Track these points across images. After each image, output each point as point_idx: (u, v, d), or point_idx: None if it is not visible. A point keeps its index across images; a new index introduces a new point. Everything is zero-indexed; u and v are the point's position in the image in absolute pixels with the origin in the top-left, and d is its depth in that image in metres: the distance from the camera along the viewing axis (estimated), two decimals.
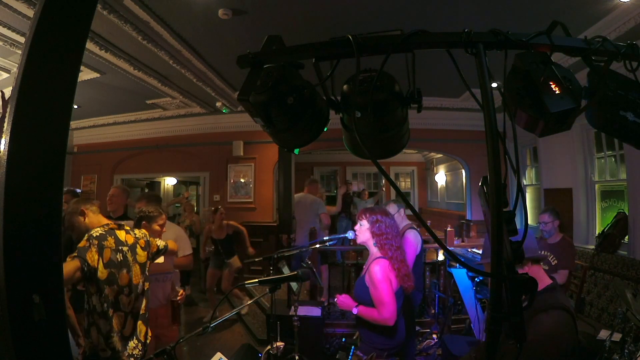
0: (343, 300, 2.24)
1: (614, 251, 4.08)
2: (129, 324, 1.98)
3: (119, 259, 1.96)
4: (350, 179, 10.52)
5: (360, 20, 3.36)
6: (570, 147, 4.99)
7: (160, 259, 2.45)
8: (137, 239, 2.14)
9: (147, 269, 2.17)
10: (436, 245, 4.26)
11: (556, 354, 1.23)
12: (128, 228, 2.16)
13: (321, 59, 0.86)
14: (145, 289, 2.13)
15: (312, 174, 11.25)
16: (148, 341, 2.12)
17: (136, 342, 2.01)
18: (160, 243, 2.33)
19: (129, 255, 2.03)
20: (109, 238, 1.96)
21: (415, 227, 3.35)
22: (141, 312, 2.07)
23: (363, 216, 2.24)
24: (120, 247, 1.99)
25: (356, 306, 2.16)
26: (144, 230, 2.27)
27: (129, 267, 2.01)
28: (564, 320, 1.29)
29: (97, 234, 1.94)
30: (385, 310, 2.03)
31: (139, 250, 2.11)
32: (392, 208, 3.22)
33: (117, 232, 2.04)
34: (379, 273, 2.07)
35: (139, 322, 2.05)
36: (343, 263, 4.89)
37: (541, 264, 1.57)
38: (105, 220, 2.10)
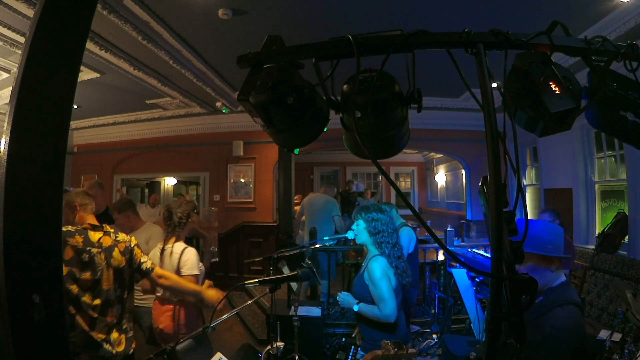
0: (344, 297, 2.26)
1: (614, 251, 4.08)
2: (100, 328, 1.85)
3: (84, 259, 1.82)
4: (351, 179, 10.52)
5: (360, 20, 3.36)
6: (570, 147, 4.99)
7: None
8: (116, 242, 2.01)
9: (125, 275, 2.02)
10: (436, 245, 4.27)
11: (573, 346, 1.29)
12: (110, 230, 2.04)
13: (321, 59, 0.86)
14: (123, 296, 1.99)
15: (312, 174, 11.27)
16: (130, 351, 2.00)
17: (109, 347, 1.87)
18: (146, 261, 2.15)
19: (99, 257, 1.89)
20: (77, 237, 1.85)
21: (409, 225, 3.35)
22: (114, 321, 1.91)
23: (359, 215, 2.25)
24: (88, 248, 1.86)
25: (357, 303, 2.18)
26: (133, 238, 2.15)
27: (96, 269, 1.86)
28: (577, 315, 1.35)
29: (64, 230, 1.82)
30: (386, 307, 2.05)
31: (115, 253, 1.97)
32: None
33: (90, 232, 1.92)
34: (378, 271, 2.09)
35: (114, 330, 1.91)
36: (343, 263, 4.89)
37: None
38: (90, 221, 1.99)
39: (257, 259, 3.22)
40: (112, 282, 1.93)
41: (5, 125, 0.75)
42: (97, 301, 1.85)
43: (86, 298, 1.81)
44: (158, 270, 2.20)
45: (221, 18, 3.27)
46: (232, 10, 3.19)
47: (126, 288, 2.04)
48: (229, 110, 6.38)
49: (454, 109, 6.29)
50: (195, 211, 6.42)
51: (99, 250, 1.91)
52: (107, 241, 1.97)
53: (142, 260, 2.13)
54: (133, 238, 2.16)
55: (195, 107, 6.34)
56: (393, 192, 10.75)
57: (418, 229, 4.05)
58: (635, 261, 3.82)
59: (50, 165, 0.79)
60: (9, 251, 0.72)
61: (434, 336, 3.85)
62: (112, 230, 2.06)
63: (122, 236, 2.08)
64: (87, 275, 1.82)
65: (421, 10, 3.25)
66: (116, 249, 2.00)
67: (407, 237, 3.17)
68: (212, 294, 2.25)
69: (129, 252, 2.07)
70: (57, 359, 0.76)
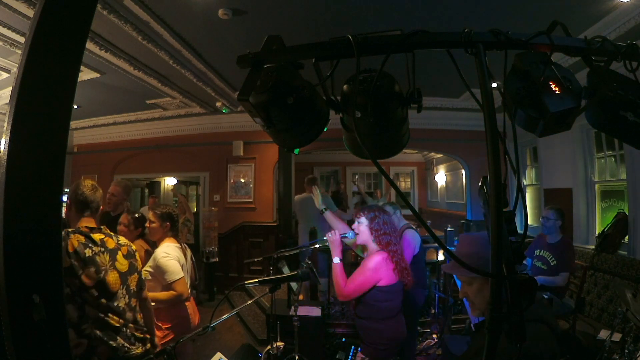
0: (335, 238, 2.22)
1: (614, 251, 4.08)
2: (112, 327, 1.76)
3: (87, 255, 1.71)
4: (340, 181, 10.48)
5: (360, 20, 3.36)
6: (570, 147, 4.99)
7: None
8: (119, 245, 1.92)
9: (131, 282, 1.92)
10: (436, 245, 4.27)
11: None
12: (110, 232, 1.94)
13: (321, 59, 0.86)
14: (131, 303, 1.88)
15: (312, 174, 11.25)
16: (147, 346, 1.92)
17: (124, 343, 1.79)
18: (144, 272, 2.11)
19: (102, 256, 1.78)
20: (77, 234, 1.75)
21: (414, 226, 3.35)
22: (129, 325, 1.83)
23: (361, 214, 2.26)
24: (89, 244, 1.75)
25: (340, 259, 2.19)
26: (131, 244, 2.05)
27: (99, 268, 1.74)
28: (543, 335, 1.13)
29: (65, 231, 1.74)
30: (350, 289, 2.10)
31: (119, 257, 1.88)
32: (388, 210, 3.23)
33: (92, 234, 1.81)
34: (372, 263, 2.10)
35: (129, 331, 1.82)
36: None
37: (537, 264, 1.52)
38: (87, 224, 1.85)
39: (257, 259, 3.23)
40: (119, 284, 1.82)
41: (5, 125, 0.75)
42: (103, 300, 1.73)
43: (91, 293, 1.69)
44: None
45: (221, 18, 3.27)
46: (232, 10, 3.19)
47: (132, 295, 1.91)
48: (229, 110, 6.38)
49: (454, 109, 6.29)
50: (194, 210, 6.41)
51: (101, 249, 1.79)
52: (110, 243, 1.87)
53: (141, 269, 2.04)
54: (132, 244, 2.06)
55: (195, 107, 6.34)
56: (393, 192, 10.74)
57: (418, 229, 4.05)
58: (635, 261, 3.82)
59: (50, 165, 0.79)
60: (9, 251, 0.72)
61: (434, 336, 3.85)
62: (112, 233, 1.96)
63: (123, 239, 1.99)
64: (91, 271, 1.70)
65: (421, 10, 3.25)
66: (119, 252, 1.90)
67: (413, 239, 3.16)
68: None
69: (132, 257, 1.97)
70: (57, 359, 0.76)
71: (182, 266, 2.42)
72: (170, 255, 2.37)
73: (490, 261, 0.68)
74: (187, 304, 2.53)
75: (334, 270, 2.16)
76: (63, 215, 1.95)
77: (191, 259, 2.71)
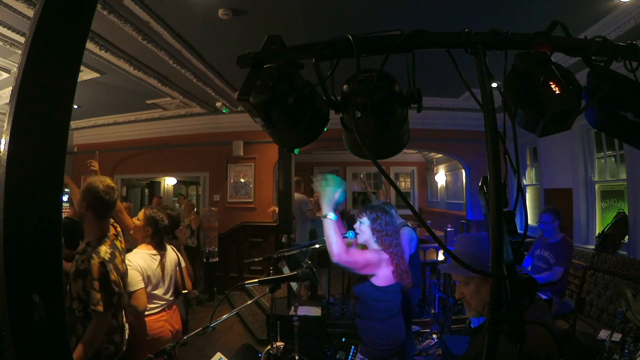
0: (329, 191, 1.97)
1: (614, 251, 4.09)
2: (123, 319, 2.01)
3: (123, 268, 1.97)
4: (351, 179, 10.50)
5: (360, 20, 3.36)
6: (570, 147, 5.00)
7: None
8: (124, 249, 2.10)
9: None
10: (436, 245, 4.27)
11: None
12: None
13: (321, 59, 0.86)
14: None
15: (312, 174, 11.26)
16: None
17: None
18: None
19: (120, 262, 1.99)
20: (117, 253, 1.93)
21: (410, 224, 3.36)
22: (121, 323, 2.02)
23: (363, 214, 2.25)
24: (122, 257, 2.00)
25: (337, 216, 1.97)
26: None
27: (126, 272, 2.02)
28: (543, 336, 1.10)
29: (108, 248, 1.87)
30: (350, 254, 1.98)
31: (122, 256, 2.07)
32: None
33: (115, 241, 1.99)
34: (375, 253, 2.10)
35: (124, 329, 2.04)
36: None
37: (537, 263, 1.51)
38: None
39: (257, 259, 3.23)
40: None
41: (5, 125, 0.75)
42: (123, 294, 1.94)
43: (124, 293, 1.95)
44: None
45: (221, 18, 3.27)
46: (232, 10, 3.19)
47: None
48: (229, 110, 6.38)
49: (454, 109, 6.29)
50: (195, 210, 6.42)
51: (122, 257, 2.00)
52: (121, 244, 2.05)
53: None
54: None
55: (195, 107, 6.34)
56: (393, 192, 10.74)
57: (418, 229, 4.06)
58: (635, 261, 3.82)
59: (50, 165, 0.79)
60: (9, 251, 0.72)
61: (434, 336, 3.85)
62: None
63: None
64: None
65: (421, 10, 3.25)
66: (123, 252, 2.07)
67: (408, 237, 3.17)
68: None
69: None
70: (57, 359, 0.76)
71: (147, 277, 2.23)
72: (131, 264, 2.17)
73: (487, 261, 0.68)
74: (160, 315, 2.30)
75: (328, 228, 1.90)
76: (69, 214, 2.06)
77: (176, 264, 2.51)
